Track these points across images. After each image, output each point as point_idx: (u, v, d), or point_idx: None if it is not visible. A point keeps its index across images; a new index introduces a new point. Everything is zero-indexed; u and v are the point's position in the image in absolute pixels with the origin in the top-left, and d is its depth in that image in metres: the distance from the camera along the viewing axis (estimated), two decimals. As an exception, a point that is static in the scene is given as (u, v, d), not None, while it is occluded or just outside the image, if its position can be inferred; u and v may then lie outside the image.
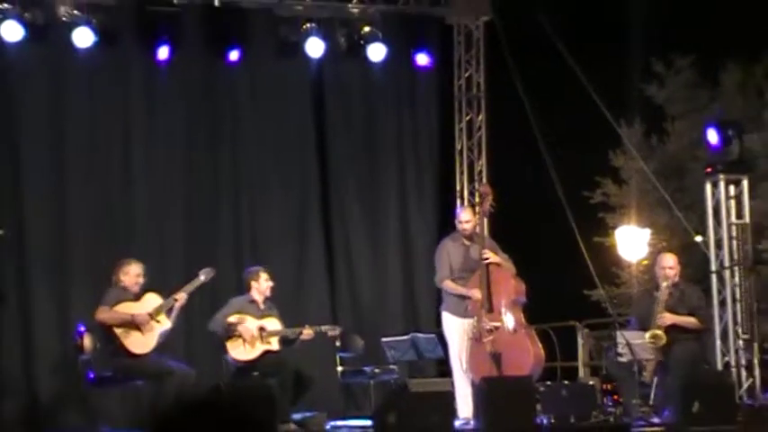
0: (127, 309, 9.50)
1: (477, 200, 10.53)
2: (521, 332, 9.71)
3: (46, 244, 11.49)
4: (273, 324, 9.93)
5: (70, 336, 10.60)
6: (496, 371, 9.43)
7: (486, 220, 10.04)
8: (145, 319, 9.44)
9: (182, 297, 9.66)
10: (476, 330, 9.63)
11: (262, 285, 10.03)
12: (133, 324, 9.42)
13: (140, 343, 9.44)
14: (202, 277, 9.88)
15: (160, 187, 11.99)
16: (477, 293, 9.68)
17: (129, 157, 11.94)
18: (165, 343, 9.69)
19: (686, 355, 9.68)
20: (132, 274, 9.65)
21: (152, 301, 9.62)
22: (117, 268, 9.74)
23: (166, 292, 9.79)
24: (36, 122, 11.64)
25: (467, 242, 10.06)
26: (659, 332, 9.58)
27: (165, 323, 9.56)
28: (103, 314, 9.44)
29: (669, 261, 10.03)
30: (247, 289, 10.04)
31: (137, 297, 9.61)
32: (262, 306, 10.00)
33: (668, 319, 9.65)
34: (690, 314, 9.79)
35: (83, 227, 11.66)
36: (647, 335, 9.56)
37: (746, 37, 13.65)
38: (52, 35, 11.57)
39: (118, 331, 9.42)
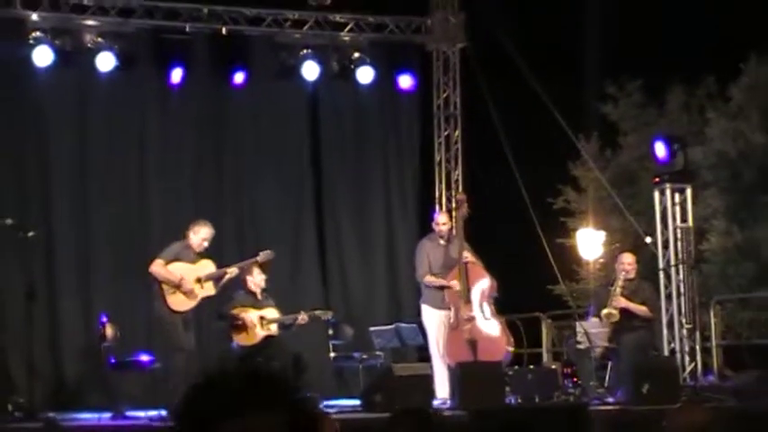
0: (181, 269, 9.38)
1: (454, 206, 10.55)
2: (493, 322, 9.75)
3: (71, 244, 11.51)
4: (272, 313, 9.96)
5: (93, 325, 10.63)
6: (473, 356, 9.45)
7: (462, 223, 10.07)
8: (190, 289, 9.34)
9: (232, 271, 9.60)
10: (454, 320, 9.66)
11: (256, 278, 10.04)
12: (179, 286, 9.35)
13: (180, 302, 9.36)
14: (259, 258, 9.83)
15: (172, 192, 12.03)
16: (456, 284, 9.69)
17: (144, 167, 11.96)
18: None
19: (635, 342, 9.74)
20: (200, 236, 9.51)
21: (206, 267, 9.51)
22: (190, 226, 9.61)
23: (217, 263, 9.71)
24: (63, 136, 11.66)
25: (442, 242, 10.07)
26: (614, 311, 9.63)
27: (209, 290, 9.47)
28: (157, 268, 9.35)
29: (628, 258, 10.14)
30: (244, 284, 10.05)
31: (194, 260, 9.49)
32: (260, 297, 10.01)
33: (622, 301, 9.70)
34: (642, 304, 9.87)
35: (104, 228, 11.69)
36: (603, 312, 9.62)
37: (689, 62, 13.70)
38: (78, 59, 11.61)
39: (164, 286, 9.34)
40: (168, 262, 9.39)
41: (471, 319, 9.61)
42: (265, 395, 1.81)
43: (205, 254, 9.68)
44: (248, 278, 10.03)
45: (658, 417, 8.13)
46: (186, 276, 9.37)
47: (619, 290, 9.80)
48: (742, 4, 12.87)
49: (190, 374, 9.05)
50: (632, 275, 10.01)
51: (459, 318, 9.61)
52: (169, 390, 9.14)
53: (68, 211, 11.56)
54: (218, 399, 1.81)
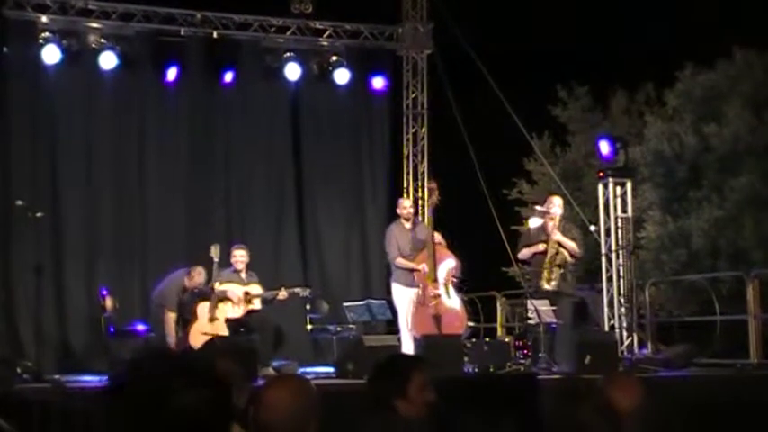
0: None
1: (426, 194, 10.53)
2: (455, 299, 9.82)
3: (76, 223, 11.51)
4: (255, 289, 9.97)
5: (95, 298, 10.63)
6: (437, 329, 9.48)
7: (432, 209, 10.05)
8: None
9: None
10: (421, 296, 9.71)
11: (238, 260, 10.08)
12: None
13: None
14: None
15: (168, 179, 12.03)
16: (425, 267, 9.75)
17: (143, 156, 11.97)
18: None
19: (572, 309, 9.73)
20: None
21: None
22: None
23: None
24: (70, 128, 11.64)
25: (408, 225, 10.05)
26: (555, 246, 9.55)
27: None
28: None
29: (559, 201, 9.94)
30: (230, 264, 10.09)
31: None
32: (244, 276, 10.03)
33: (559, 235, 9.53)
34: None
35: (106, 209, 11.69)
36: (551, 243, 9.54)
37: (630, 71, 13.85)
38: (83, 58, 11.59)
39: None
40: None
41: (437, 296, 9.67)
42: (192, 376, 2.02)
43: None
44: (233, 259, 10.06)
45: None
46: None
47: (556, 227, 9.58)
48: (676, 19, 13.04)
49: None
50: (559, 217, 9.69)
51: (426, 295, 9.65)
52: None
53: (74, 194, 11.53)
54: (157, 380, 2.01)
